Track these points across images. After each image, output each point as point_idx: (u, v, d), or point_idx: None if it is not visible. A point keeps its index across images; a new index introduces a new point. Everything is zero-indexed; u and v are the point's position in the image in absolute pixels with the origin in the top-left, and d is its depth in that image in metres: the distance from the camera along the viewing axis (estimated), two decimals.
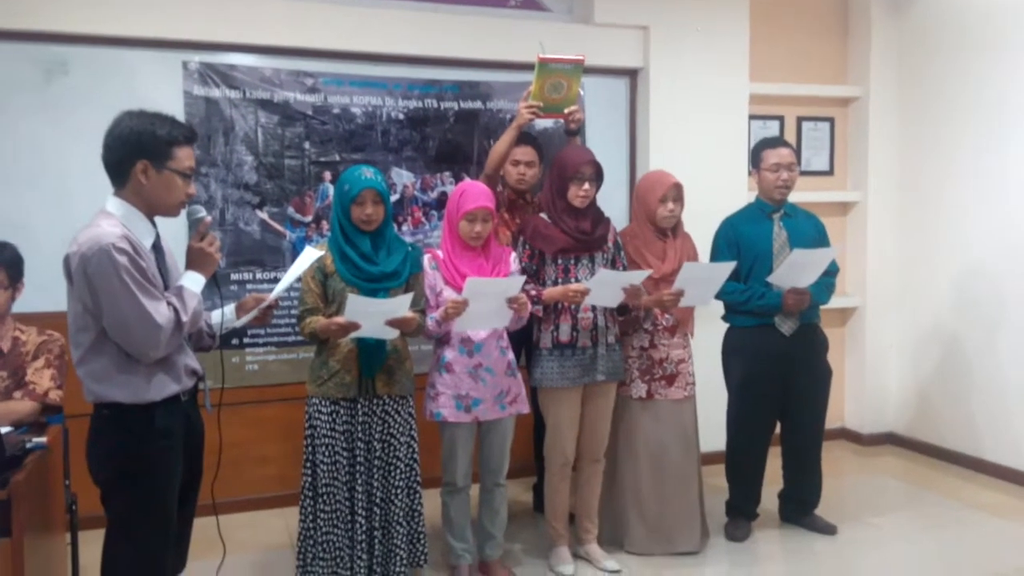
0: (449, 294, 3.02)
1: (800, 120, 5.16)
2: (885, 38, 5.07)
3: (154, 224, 2.28)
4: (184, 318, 2.21)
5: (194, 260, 2.32)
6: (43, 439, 2.61)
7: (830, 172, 5.26)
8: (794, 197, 3.71)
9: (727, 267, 3.28)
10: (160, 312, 2.15)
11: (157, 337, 2.14)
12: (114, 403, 2.18)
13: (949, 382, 4.82)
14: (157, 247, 2.29)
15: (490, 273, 3.09)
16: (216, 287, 2.46)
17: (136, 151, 2.17)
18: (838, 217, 5.17)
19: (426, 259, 3.12)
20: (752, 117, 4.83)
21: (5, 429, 2.55)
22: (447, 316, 2.92)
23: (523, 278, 3.01)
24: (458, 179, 4.27)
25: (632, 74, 4.64)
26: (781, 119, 5.09)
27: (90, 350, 2.17)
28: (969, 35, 4.64)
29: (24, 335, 2.94)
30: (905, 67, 5.06)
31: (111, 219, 2.18)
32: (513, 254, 3.22)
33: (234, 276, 3.95)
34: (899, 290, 5.15)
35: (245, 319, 2.54)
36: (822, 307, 3.70)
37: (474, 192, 3.07)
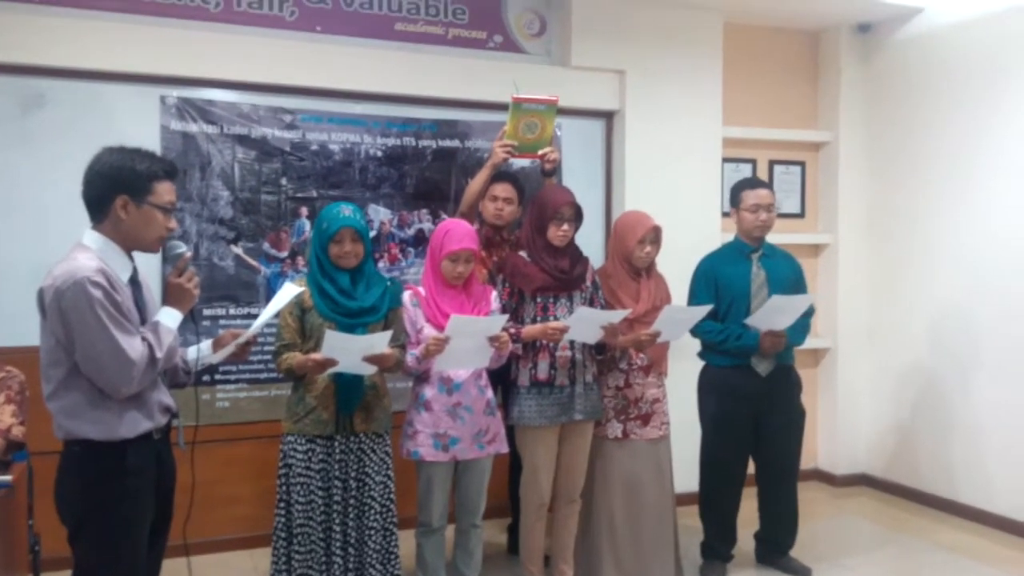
0: (430, 331, 3.00)
1: (772, 163, 5.26)
2: (854, 85, 5.20)
3: (131, 258, 2.26)
4: (158, 354, 2.18)
5: (172, 295, 2.29)
6: (8, 477, 2.54)
7: (801, 215, 5.35)
8: (766, 238, 3.75)
9: (704, 310, 3.33)
10: (134, 347, 2.11)
11: (130, 373, 2.11)
12: (85, 440, 2.14)
13: (922, 423, 4.86)
14: (135, 281, 2.27)
15: (471, 311, 3.08)
16: (193, 323, 2.43)
17: (116, 186, 2.16)
18: (809, 259, 5.23)
19: (407, 296, 3.11)
20: (725, 160, 4.91)
21: None
22: (428, 353, 2.90)
23: (505, 317, 3.00)
24: (435, 216, 4.28)
25: (608, 116, 4.70)
26: (753, 162, 5.18)
27: (61, 385, 2.13)
28: (934, 82, 4.77)
29: None
30: (873, 113, 5.18)
31: (87, 252, 2.15)
32: (494, 293, 3.22)
33: (207, 311, 3.90)
34: (870, 331, 5.21)
35: (222, 355, 2.51)
36: (795, 348, 3.74)
37: (459, 233, 3.07)
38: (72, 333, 2.08)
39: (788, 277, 3.69)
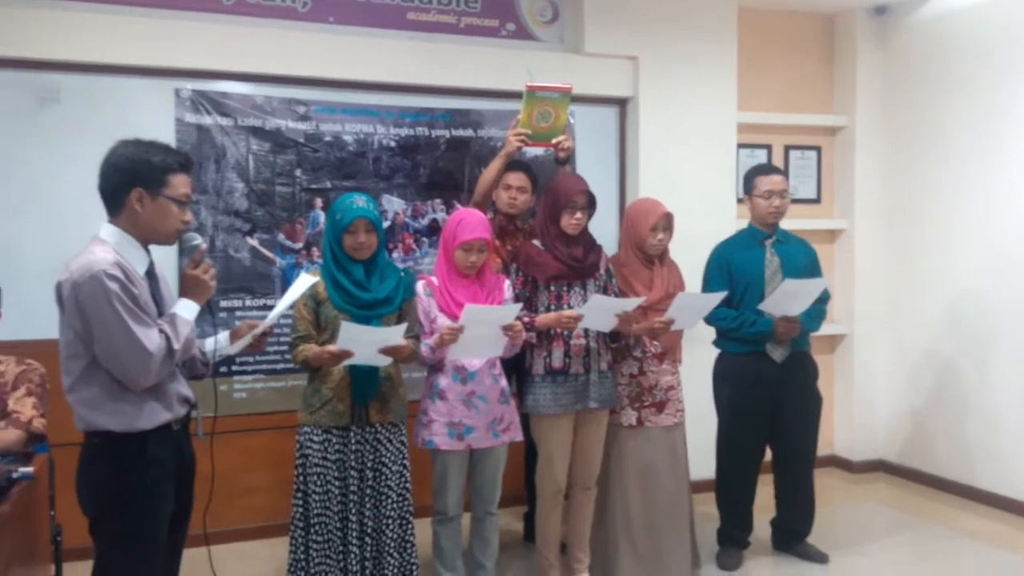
0: (444, 321, 3.00)
1: (787, 149, 5.22)
2: (870, 69, 5.15)
3: (148, 251, 2.27)
4: (176, 346, 2.20)
5: (189, 287, 2.31)
6: (30, 469, 2.56)
7: (817, 200, 5.31)
8: (782, 224, 3.74)
9: (718, 297, 3.32)
10: (151, 339, 2.13)
11: (147, 364, 2.13)
12: (105, 431, 2.16)
13: (939, 408, 4.84)
14: (151, 274, 2.28)
15: (485, 301, 3.08)
16: (211, 314, 2.45)
17: (131, 179, 2.18)
18: (825, 244, 5.20)
19: (420, 285, 3.12)
20: (740, 146, 4.88)
21: None
22: (442, 343, 2.91)
23: (519, 306, 3.01)
24: (449, 206, 4.29)
25: (622, 103, 4.68)
26: (769, 148, 5.15)
27: (81, 378, 2.16)
28: (951, 64, 4.72)
29: (2, 365, 2.90)
30: (890, 96, 5.13)
31: (104, 245, 2.17)
32: (507, 282, 3.22)
33: (224, 303, 3.92)
34: (887, 316, 5.18)
35: (239, 346, 2.52)
36: (811, 334, 3.72)
37: (471, 222, 3.07)
38: (90, 326, 2.10)
39: (802, 263, 3.67)
